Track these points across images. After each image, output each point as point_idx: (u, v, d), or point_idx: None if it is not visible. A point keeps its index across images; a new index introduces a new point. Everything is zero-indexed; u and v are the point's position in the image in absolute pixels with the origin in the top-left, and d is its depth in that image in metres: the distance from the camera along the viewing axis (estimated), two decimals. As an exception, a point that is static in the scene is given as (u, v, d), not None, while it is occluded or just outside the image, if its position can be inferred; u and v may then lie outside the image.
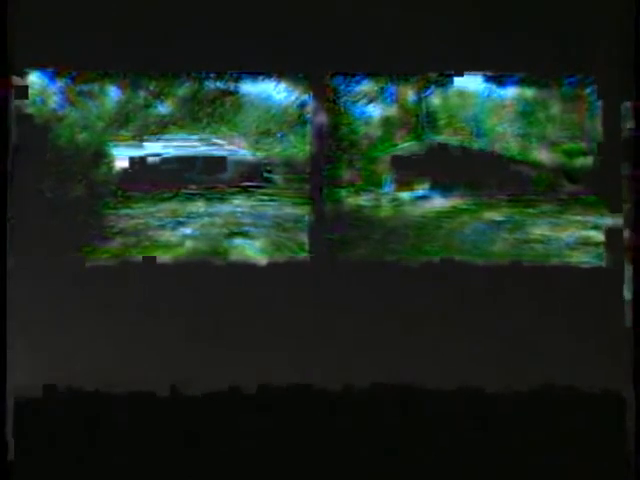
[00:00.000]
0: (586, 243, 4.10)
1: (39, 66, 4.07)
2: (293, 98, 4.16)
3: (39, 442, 3.86)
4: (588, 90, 4.17)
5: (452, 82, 4.20)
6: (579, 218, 4.12)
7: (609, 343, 3.95)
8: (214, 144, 4.17)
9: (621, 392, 3.90)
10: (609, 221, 4.07)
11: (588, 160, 4.15)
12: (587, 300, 4.00)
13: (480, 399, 3.93)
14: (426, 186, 4.18)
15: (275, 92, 4.17)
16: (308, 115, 4.16)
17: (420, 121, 4.21)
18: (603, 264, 4.07)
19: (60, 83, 4.10)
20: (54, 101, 4.10)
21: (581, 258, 4.09)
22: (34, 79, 4.08)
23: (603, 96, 4.14)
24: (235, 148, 4.19)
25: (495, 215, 4.14)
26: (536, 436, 3.93)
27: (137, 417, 3.91)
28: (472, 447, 3.92)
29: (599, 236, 4.10)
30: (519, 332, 3.98)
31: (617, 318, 3.94)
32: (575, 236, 4.11)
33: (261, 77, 4.16)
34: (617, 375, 3.90)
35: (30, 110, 4.06)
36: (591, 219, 4.11)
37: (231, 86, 4.16)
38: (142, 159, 4.15)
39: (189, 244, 4.09)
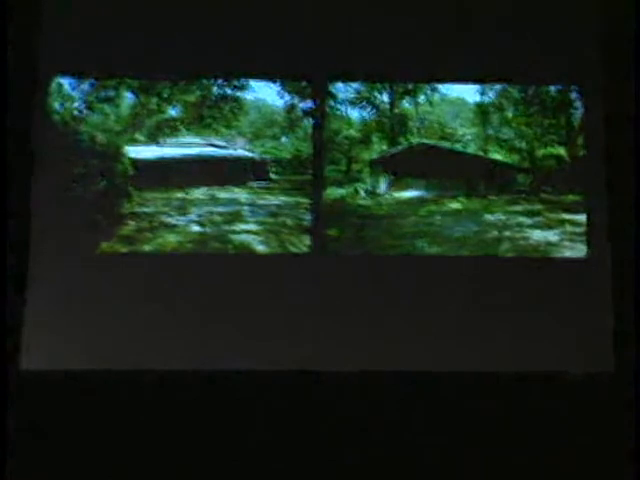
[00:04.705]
0: (570, 239, 4.22)
1: (62, 72, 4.24)
2: (295, 102, 4.33)
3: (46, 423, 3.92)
4: (572, 96, 4.33)
5: (438, 89, 4.37)
6: (563, 216, 4.26)
7: (595, 330, 4.07)
8: (220, 145, 4.35)
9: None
10: (591, 218, 4.20)
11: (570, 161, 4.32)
12: (573, 289, 4.13)
13: (472, 384, 4.00)
14: (420, 186, 4.35)
15: (278, 96, 4.33)
16: (309, 118, 4.31)
17: (412, 125, 4.39)
18: (586, 257, 4.18)
19: (81, 88, 4.28)
20: (75, 105, 4.27)
21: (565, 252, 4.21)
22: (57, 85, 4.25)
23: (587, 102, 4.29)
24: (240, 149, 4.36)
25: (481, 212, 4.30)
26: (529, 417, 3.99)
27: (142, 400, 3.97)
28: (463, 430, 3.99)
29: (582, 231, 4.22)
30: (508, 320, 4.08)
31: (602, 308, 4.09)
32: (559, 232, 4.25)
33: (265, 82, 4.32)
34: (604, 359, 4.04)
35: (53, 114, 4.22)
36: (573, 216, 4.25)
37: (236, 91, 4.34)
38: (155, 159, 4.31)
39: (195, 234, 4.20)
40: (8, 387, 3.82)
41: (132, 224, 4.20)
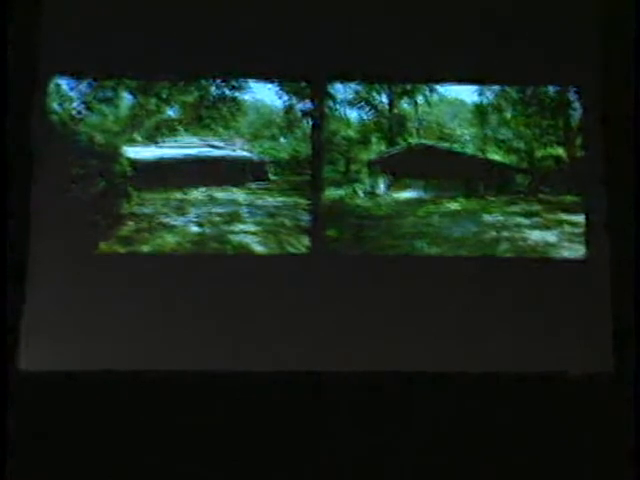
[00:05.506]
0: (569, 239, 4.24)
1: (60, 73, 4.24)
2: (294, 102, 4.33)
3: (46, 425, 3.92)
4: (571, 97, 4.35)
5: (436, 89, 4.38)
6: (562, 216, 4.27)
7: (594, 330, 4.08)
8: (219, 146, 4.35)
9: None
10: (590, 218, 4.22)
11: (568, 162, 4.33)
12: (571, 290, 4.14)
13: (472, 384, 4.01)
14: (419, 186, 4.35)
15: (276, 97, 4.33)
16: (308, 119, 4.32)
17: (411, 126, 4.39)
18: (585, 257, 4.19)
19: (79, 89, 4.27)
20: (74, 106, 4.27)
21: (564, 252, 4.22)
22: (56, 85, 4.25)
23: (585, 102, 4.31)
24: (238, 149, 4.36)
25: (480, 212, 4.30)
26: (532, 418, 4.01)
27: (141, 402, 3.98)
28: (462, 430, 4.00)
29: (580, 232, 4.24)
30: (507, 320, 4.10)
31: (601, 308, 4.10)
32: (558, 232, 4.26)
33: (264, 82, 4.33)
34: (604, 360, 4.05)
35: (51, 114, 4.22)
36: (572, 217, 4.26)
37: (235, 92, 4.34)
38: (154, 160, 4.30)
39: (194, 234, 4.20)
40: (8, 387, 3.82)
41: (131, 224, 4.20)
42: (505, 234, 4.26)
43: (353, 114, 4.36)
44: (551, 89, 4.36)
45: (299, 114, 4.34)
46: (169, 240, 4.19)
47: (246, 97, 4.36)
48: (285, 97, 4.35)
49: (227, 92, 4.35)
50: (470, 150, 4.41)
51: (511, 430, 3.99)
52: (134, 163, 4.28)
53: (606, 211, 4.19)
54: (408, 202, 4.34)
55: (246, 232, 4.23)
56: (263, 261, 4.20)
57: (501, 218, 4.29)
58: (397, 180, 4.36)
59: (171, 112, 4.35)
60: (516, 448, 3.97)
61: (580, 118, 4.33)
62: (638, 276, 4.06)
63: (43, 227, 4.07)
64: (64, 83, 4.25)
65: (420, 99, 4.39)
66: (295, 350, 4.03)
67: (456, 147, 4.40)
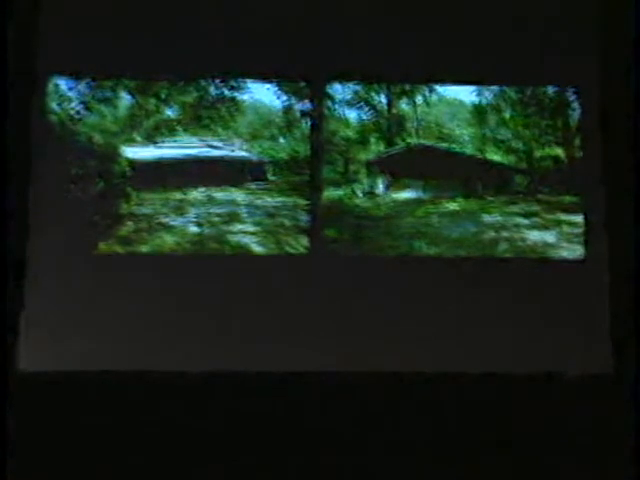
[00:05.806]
0: (568, 240, 4.24)
1: (59, 73, 4.24)
2: (293, 102, 4.33)
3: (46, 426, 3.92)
4: (570, 97, 4.36)
5: (435, 90, 4.38)
6: (561, 216, 4.27)
7: (594, 330, 4.09)
8: (217, 146, 4.34)
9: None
10: (589, 218, 4.23)
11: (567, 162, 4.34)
12: (570, 290, 4.15)
13: (471, 384, 4.01)
14: (417, 186, 4.35)
15: (275, 97, 4.34)
16: (307, 119, 4.32)
17: (410, 126, 4.40)
18: (584, 257, 4.20)
19: (78, 89, 4.27)
20: (72, 106, 4.26)
21: (562, 253, 4.23)
22: (54, 85, 4.24)
23: (584, 103, 4.33)
24: (237, 150, 4.36)
25: (479, 213, 4.31)
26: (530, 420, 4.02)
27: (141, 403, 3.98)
28: (461, 431, 4.01)
29: (579, 232, 4.24)
30: (506, 321, 4.10)
31: (600, 308, 4.12)
32: (557, 232, 4.26)
33: (262, 83, 4.33)
34: (603, 360, 4.06)
35: (50, 114, 4.21)
36: (570, 217, 4.27)
37: (234, 92, 4.34)
38: (153, 160, 4.30)
39: (193, 234, 4.20)
40: (8, 387, 3.82)
41: (130, 225, 4.20)
42: (504, 234, 4.27)
43: (352, 114, 4.37)
44: (550, 89, 4.37)
45: (298, 114, 4.34)
46: (168, 240, 4.18)
47: (245, 97, 4.36)
48: (284, 97, 4.35)
49: (226, 92, 4.35)
50: (469, 150, 4.41)
51: (510, 431, 3.99)
52: (133, 163, 4.27)
53: (605, 211, 4.20)
54: (407, 202, 4.34)
55: (245, 232, 4.23)
56: (262, 261, 4.19)
57: (500, 218, 4.29)
58: (396, 180, 4.37)
59: (170, 112, 4.35)
60: (516, 448, 3.97)
61: (579, 118, 4.34)
62: (637, 276, 4.07)
63: (42, 227, 4.07)
64: (63, 83, 4.25)
65: (419, 99, 4.40)
66: (295, 350, 4.02)
67: (455, 147, 4.41)
